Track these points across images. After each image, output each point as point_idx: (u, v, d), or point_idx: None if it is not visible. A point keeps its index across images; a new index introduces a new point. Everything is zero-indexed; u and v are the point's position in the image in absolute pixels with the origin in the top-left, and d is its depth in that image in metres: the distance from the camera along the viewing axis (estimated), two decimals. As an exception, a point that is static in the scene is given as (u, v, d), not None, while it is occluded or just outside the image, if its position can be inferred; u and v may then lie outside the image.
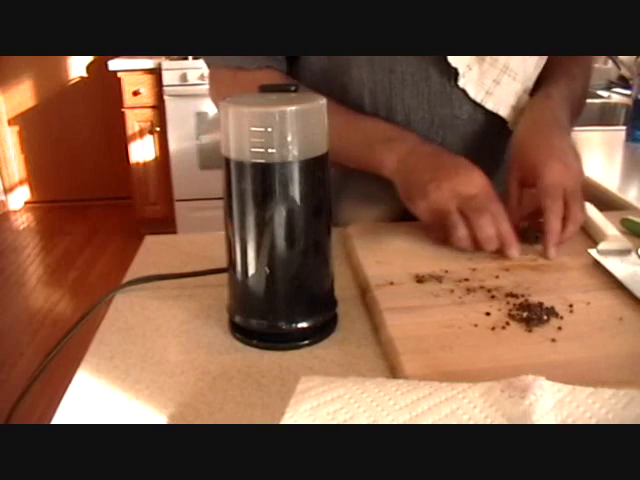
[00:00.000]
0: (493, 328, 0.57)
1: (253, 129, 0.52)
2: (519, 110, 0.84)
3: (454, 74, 0.81)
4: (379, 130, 0.79)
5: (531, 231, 0.74)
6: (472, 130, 0.86)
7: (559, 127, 0.77)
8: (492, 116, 0.85)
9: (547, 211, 0.70)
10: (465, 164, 0.73)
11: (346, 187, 0.91)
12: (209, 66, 0.88)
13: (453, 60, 0.80)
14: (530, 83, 0.86)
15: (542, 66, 0.86)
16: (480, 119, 0.85)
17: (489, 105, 0.83)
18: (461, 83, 0.81)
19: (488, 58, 0.81)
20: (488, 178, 0.72)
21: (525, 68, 0.84)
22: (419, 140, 0.77)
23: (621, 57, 2.09)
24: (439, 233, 0.73)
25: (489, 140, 0.87)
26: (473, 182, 0.71)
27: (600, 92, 2.15)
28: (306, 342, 0.58)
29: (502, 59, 0.81)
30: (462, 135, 0.86)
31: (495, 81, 0.82)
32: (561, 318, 0.58)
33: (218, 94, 0.87)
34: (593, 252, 0.71)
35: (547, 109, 0.79)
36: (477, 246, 0.70)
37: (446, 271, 0.68)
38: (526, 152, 0.75)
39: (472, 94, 0.82)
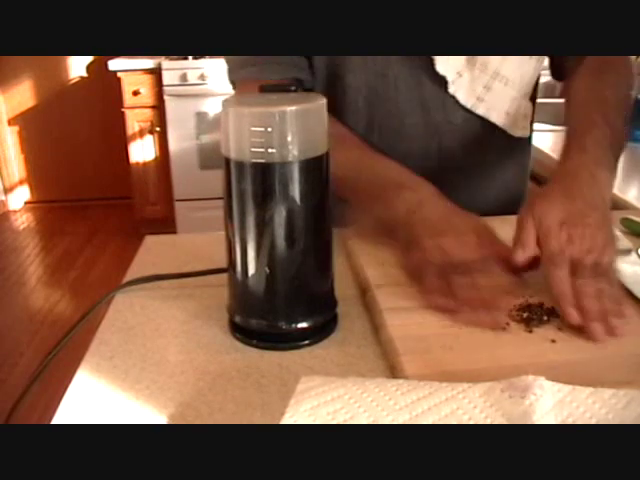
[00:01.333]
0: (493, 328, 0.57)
1: (253, 129, 0.52)
2: (519, 116, 0.84)
3: (445, 81, 0.81)
4: (391, 174, 0.74)
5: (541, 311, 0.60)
6: (467, 136, 0.85)
7: (592, 186, 0.66)
8: (486, 122, 0.84)
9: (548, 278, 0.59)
10: (472, 229, 0.64)
11: None
12: (234, 84, 0.85)
13: (442, 68, 0.80)
14: (529, 89, 0.86)
15: (540, 69, 0.86)
16: (475, 125, 0.85)
17: (480, 111, 0.83)
18: (451, 90, 0.82)
19: (478, 64, 0.81)
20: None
21: (522, 74, 0.83)
22: (430, 192, 0.70)
23: (621, 57, 2.09)
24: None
25: (485, 145, 0.87)
26: (470, 251, 0.63)
27: (600, 92, 2.14)
28: (306, 342, 0.58)
29: (492, 65, 0.81)
30: (458, 140, 0.85)
31: (486, 87, 0.82)
32: (561, 319, 0.58)
33: None
34: (593, 252, 0.71)
35: (581, 166, 0.68)
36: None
37: (446, 271, 0.68)
38: (536, 212, 0.62)
39: (463, 100, 0.82)
